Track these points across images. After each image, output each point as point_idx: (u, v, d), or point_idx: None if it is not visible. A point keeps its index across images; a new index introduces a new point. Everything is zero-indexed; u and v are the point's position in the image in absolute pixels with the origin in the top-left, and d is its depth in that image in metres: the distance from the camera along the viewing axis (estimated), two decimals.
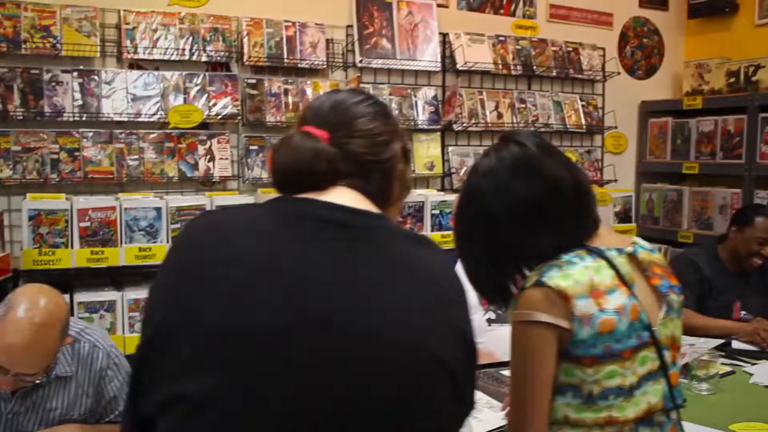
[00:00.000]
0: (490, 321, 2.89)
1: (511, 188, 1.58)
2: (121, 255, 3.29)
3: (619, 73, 4.77)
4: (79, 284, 3.43)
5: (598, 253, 1.56)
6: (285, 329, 0.97)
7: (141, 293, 3.36)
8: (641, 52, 4.99)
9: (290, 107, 3.89)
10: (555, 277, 1.51)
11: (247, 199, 3.54)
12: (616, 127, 4.78)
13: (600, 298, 1.50)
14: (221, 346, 0.97)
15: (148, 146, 3.61)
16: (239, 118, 3.78)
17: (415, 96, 4.21)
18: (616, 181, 4.78)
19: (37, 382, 1.88)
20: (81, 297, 3.25)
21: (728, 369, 2.80)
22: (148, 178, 3.60)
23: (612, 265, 1.55)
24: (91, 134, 3.52)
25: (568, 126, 4.62)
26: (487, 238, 1.61)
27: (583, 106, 4.69)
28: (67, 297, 3.25)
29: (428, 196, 3.92)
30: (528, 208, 1.58)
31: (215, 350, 0.97)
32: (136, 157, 3.58)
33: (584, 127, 4.68)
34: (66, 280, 3.47)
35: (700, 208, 4.60)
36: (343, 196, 1.12)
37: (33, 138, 3.43)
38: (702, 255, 3.52)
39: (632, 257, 1.61)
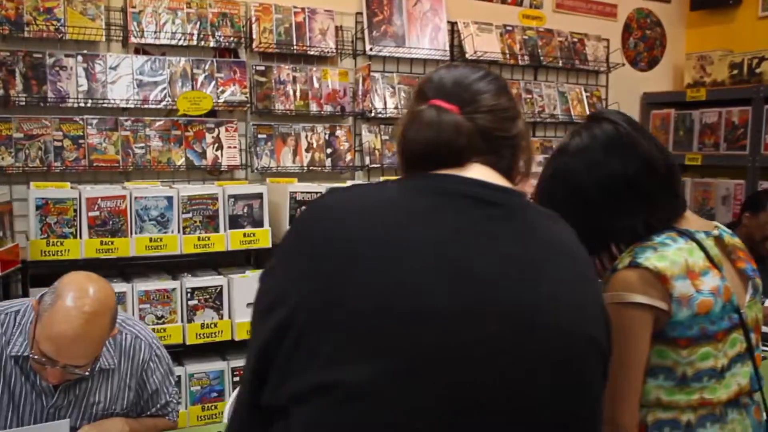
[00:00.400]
0: None
1: (605, 165, 1.54)
2: (132, 246, 3.18)
3: (623, 65, 4.76)
4: None
5: (689, 235, 1.53)
6: (445, 313, 0.90)
7: (151, 285, 3.26)
8: (644, 43, 4.99)
9: (299, 95, 3.80)
10: (651, 258, 1.47)
11: (257, 189, 3.44)
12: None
13: (696, 280, 1.48)
14: (376, 332, 0.90)
15: (155, 134, 3.50)
16: (248, 105, 3.68)
17: None
18: None
19: (86, 374, 1.79)
20: None
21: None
22: (155, 167, 3.49)
23: (702, 248, 1.52)
24: (95, 121, 3.40)
25: (573, 117, 4.59)
26: (578, 218, 1.56)
27: (587, 97, 4.67)
28: None
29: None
30: (622, 185, 1.54)
31: (368, 336, 0.90)
32: (143, 145, 3.47)
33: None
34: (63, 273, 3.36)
35: (702, 199, 4.61)
36: (482, 172, 1.06)
37: (36, 125, 3.30)
38: None
39: (718, 240, 1.59)
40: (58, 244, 3.06)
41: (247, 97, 3.67)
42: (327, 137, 3.91)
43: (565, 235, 1.06)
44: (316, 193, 3.53)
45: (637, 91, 4.99)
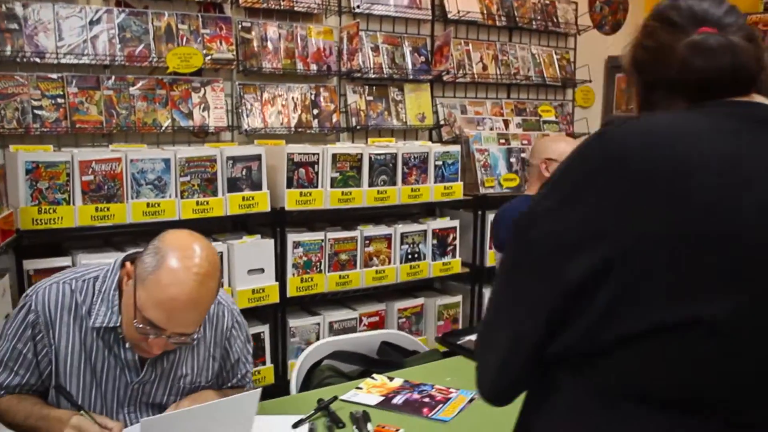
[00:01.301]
0: None
1: None
2: (128, 212, 2.99)
3: (591, 28, 4.80)
4: (74, 246, 3.11)
5: None
6: None
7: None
8: (608, 7, 5.05)
9: (285, 54, 3.65)
10: None
11: (256, 150, 3.29)
12: (590, 81, 4.83)
13: None
14: (726, 264, 0.84)
15: (139, 93, 3.29)
16: (235, 63, 3.50)
17: (407, 45, 4.06)
18: (588, 134, 4.83)
19: (192, 342, 1.65)
20: (85, 259, 2.93)
21: None
22: (141, 129, 3.29)
23: None
24: (75, 79, 3.16)
25: (546, 79, 4.61)
26: None
27: (558, 60, 4.70)
28: (65, 261, 2.93)
29: (431, 147, 3.81)
30: None
31: (719, 268, 0.83)
32: (126, 105, 3.26)
33: (560, 80, 4.70)
34: (56, 242, 3.14)
35: None
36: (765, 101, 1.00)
37: (11, 83, 3.04)
38: None
39: None
40: (51, 211, 2.84)
41: (234, 55, 3.49)
42: (313, 97, 3.78)
43: None
44: (314, 154, 3.42)
45: (602, 54, 5.05)
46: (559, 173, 0.96)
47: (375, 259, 3.66)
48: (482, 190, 4.04)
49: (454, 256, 3.96)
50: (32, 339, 1.63)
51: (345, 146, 3.60)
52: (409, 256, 3.77)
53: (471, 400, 1.70)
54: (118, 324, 1.60)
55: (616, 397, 0.87)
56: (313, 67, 3.74)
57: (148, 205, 3.02)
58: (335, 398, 1.69)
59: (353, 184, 3.54)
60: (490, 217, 4.07)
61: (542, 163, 3.00)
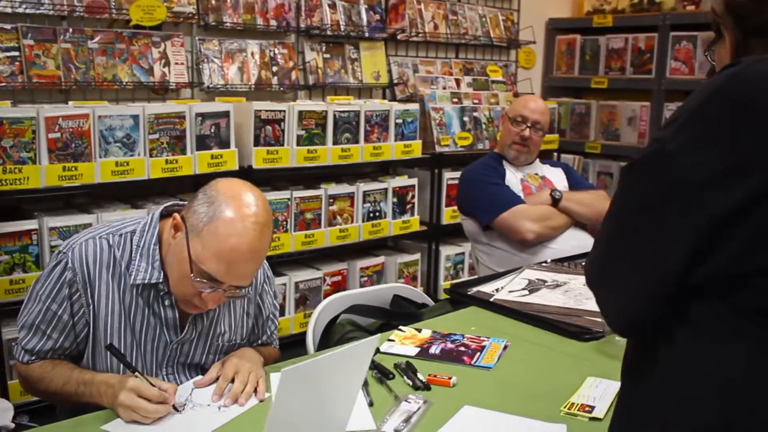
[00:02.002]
0: None
1: None
2: (97, 171, 2.88)
3: None
4: (36, 209, 2.97)
5: None
6: None
7: (116, 214, 2.98)
8: None
9: (246, 8, 3.56)
10: None
11: (224, 107, 3.22)
12: (534, 42, 4.93)
13: None
14: None
15: (98, 47, 3.14)
16: (195, 17, 3.39)
17: (363, 3, 4.03)
18: (532, 94, 4.95)
19: (247, 295, 1.60)
20: (52, 222, 2.81)
21: None
22: (101, 84, 3.15)
23: None
24: (31, 31, 2.99)
25: (493, 40, 4.68)
26: None
27: (503, 21, 4.77)
28: (31, 224, 2.80)
29: (392, 105, 3.82)
30: None
31: None
32: (85, 59, 3.11)
33: (505, 41, 4.77)
34: (18, 205, 2.99)
35: (607, 120, 4.91)
36: None
37: None
38: None
39: None
40: (16, 171, 2.70)
41: (194, 9, 3.38)
42: (272, 54, 3.71)
43: None
44: (280, 111, 3.37)
45: (542, 16, 5.15)
46: (689, 113, 0.97)
47: (339, 217, 3.66)
48: (438, 149, 4.09)
49: (412, 214, 4.00)
50: (69, 299, 1.54)
51: (310, 103, 3.56)
52: (371, 215, 3.79)
53: (505, 347, 1.76)
54: (160, 280, 1.55)
55: (752, 324, 0.93)
56: (273, 22, 3.66)
57: (117, 164, 2.91)
58: (377, 351, 1.70)
59: (318, 142, 3.51)
60: (447, 175, 4.14)
61: (502, 117, 3.06)
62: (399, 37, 4.17)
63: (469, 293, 2.12)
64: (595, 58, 4.95)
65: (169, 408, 1.40)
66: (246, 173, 3.30)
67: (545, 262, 2.50)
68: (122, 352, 1.55)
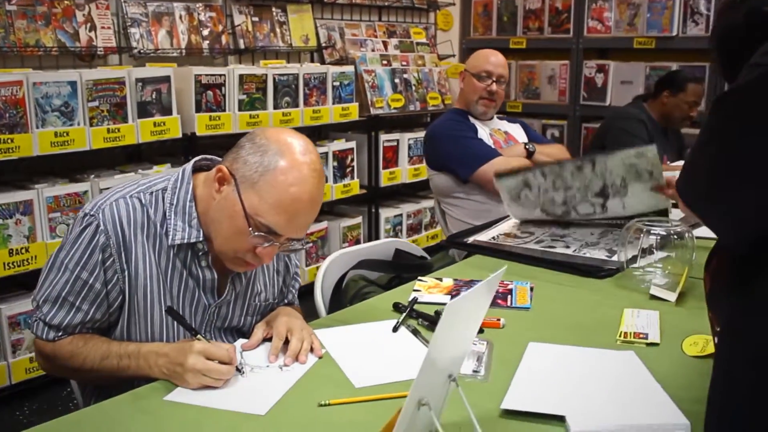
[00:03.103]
0: None
1: None
2: (35, 143, 2.65)
3: None
4: None
5: None
6: None
7: (59, 189, 2.77)
8: None
9: None
10: None
11: (164, 72, 3.03)
12: (453, 4, 4.93)
13: None
14: None
15: (17, 10, 2.88)
16: None
17: None
18: (454, 56, 4.97)
19: (304, 247, 1.47)
20: None
21: None
22: (23, 50, 2.89)
23: None
24: None
25: (414, 3, 4.65)
26: None
27: None
28: None
29: (329, 68, 3.73)
30: None
31: None
32: (3, 23, 2.85)
33: (425, 3, 4.75)
34: None
35: (527, 80, 5.00)
36: None
37: None
38: (642, 114, 3.66)
39: None
40: None
41: None
42: (200, 17, 3.53)
43: None
44: (220, 75, 3.22)
45: None
46: None
47: None
48: (373, 111, 4.03)
49: (352, 177, 3.94)
50: (101, 264, 1.38)
51: (250, 67, 3.42)
52: None
53: (531, 288, 1.74)
54: (200, 239, 1.42)
55: None
56: None
57: (56, 134, 2.69)
58: (416, 300, 1.65)
59: (259, 107, 3.39)
60: (383, 137, 4.10)
61: (461, 74, 3.04)
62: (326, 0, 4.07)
63: (468, 242, 2.09)
64: (512, 19, 5.01)
65: (233, 369, 1.29)
66: (190, 141, 3.15)
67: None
68: (165, 319, 1.42)
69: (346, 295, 1.87)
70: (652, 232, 1.76)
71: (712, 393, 1.04)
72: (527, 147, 2.73)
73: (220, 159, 1.47)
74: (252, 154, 1.35)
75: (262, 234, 1.34)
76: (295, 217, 1.35)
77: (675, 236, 1.73)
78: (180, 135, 3.08)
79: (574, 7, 4.70)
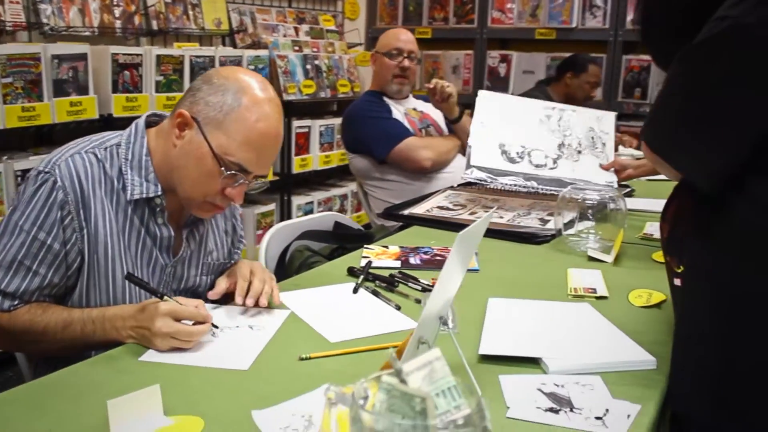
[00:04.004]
0: None
1: None
2: None
3: None
4: None
5: None
6: None
7: None
8: None
9: None
10: None
11: (81, 49, 2.94)
12: None
13: None
14: None
15: None
16: None
17: None
18: (361, 44, 5.03)
19: (267, 186, 1.48)
20: None
21: None
22: None
23: None
24: None
25: None
26: None
27: None
28: None
29: (245, 52, 3.72)
30: None
31: None
32: None
33: None
34: None
35: (432, 70, 5.12)
36: None
37: None
38: (542, 96, 3.65)
39: None
40: None
41: None
42: None
43: None
44: (137, 55, 3.15)
45: None
46: None
47: None
48: (286, 97, 4.04)
49: None
50: (60, 223, 1.33)
51: (167, 49, 3.36)
52: None
53: (476, 253, 1.82)
54: (158, 193, 1.40)
55: None
56: None
57: None
58: (370, 263, 1.70)
59: (176, 89, 3.34)
60: (296, 123, 4.11)
61: (372, 56, 3.11)
62: None
63: (405, 214, 2.16)
64: (418, 9, 5.12)
65: (208, 327, 1.30)
66: (105, 123, 3.06)
67: (469, 184, 2.45)
68: (124, 280, 1.40)
69: (291, 266, 1.89)
70: (586, 199, 1.88)
71: (678, 326, 1.14)
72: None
73: (167, 114, 1.47)
74: (212, 95, 1.36)
75: (233, 173, 1.36)
76: (263, 152, 1.38)
77: (609, 202, 1.86)
78: (97, 116, 3.00)
79: None
